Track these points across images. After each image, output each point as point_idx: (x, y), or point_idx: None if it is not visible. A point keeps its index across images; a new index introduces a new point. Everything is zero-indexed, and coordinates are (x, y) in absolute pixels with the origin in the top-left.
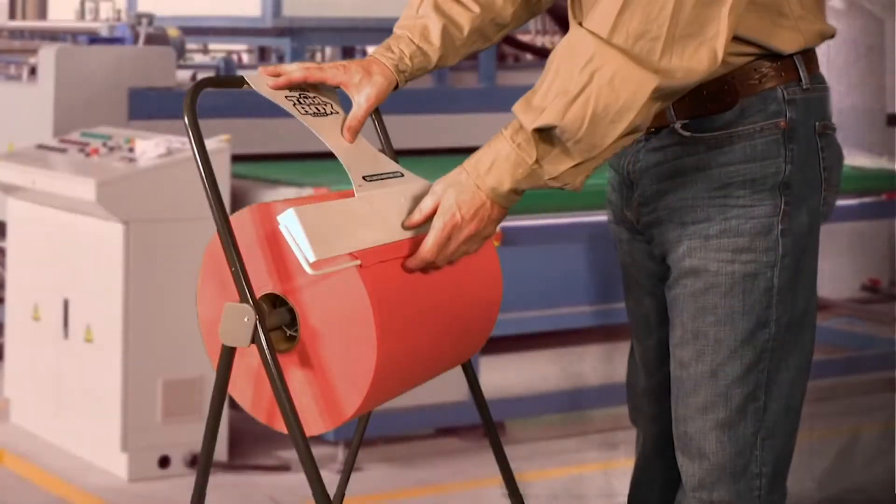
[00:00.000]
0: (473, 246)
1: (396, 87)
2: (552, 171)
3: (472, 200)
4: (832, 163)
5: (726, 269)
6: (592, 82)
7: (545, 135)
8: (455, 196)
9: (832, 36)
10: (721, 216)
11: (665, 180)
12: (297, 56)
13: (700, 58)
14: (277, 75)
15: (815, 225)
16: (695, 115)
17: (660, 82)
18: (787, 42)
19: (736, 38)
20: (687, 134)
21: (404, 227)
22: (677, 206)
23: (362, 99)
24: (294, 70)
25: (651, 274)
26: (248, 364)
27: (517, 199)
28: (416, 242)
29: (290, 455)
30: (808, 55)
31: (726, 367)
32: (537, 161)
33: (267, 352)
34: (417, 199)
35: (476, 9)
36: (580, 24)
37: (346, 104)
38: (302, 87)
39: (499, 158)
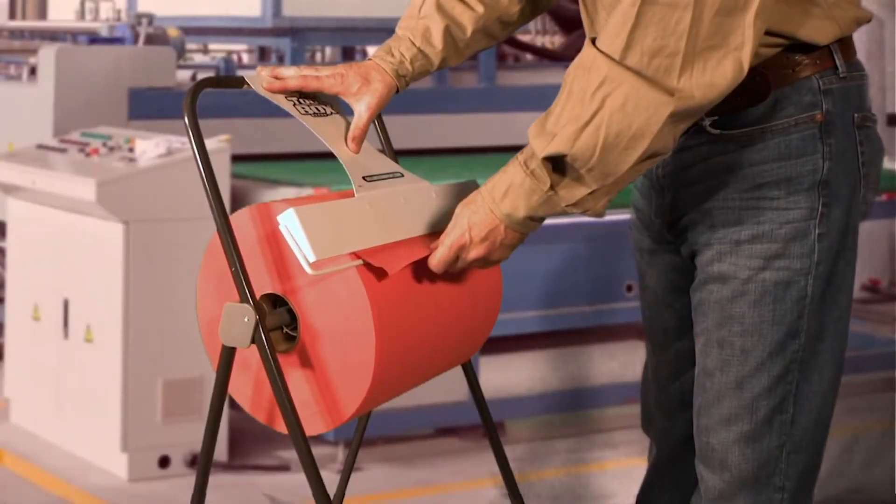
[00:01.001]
0: (485, 266)
1: (397, 90)
2: (569, 197)
3: (484, 222)
4: (872, 157)
5: (757, 276)
6: (604, 108)
7: (557, 162)
8: (468, 216)
9: (868, 20)
10: (753, 219)
11: (695, 183)
12: (296, 56)
13: (724, 71)
14: (275, 77)
15: (854, 226)
16: (725, 112)
17: (676, 106)
18: (820, 32)
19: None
20: (716, 132)
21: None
22: (707, 209)
23: (362, 108)
24: (291, 77)
25: (672, 287)
26: (248, 364)
27: (537, 226)
28: (415, 242)
29: (290, 455)
30: (844, 42)
31: (752, 380)
32: (552, 188)
33: (267, 352)
34: (417, 200)
35: (480, 9)
36: (593, 40)
37: (346, 104)
38: None
39: (513, 185)
